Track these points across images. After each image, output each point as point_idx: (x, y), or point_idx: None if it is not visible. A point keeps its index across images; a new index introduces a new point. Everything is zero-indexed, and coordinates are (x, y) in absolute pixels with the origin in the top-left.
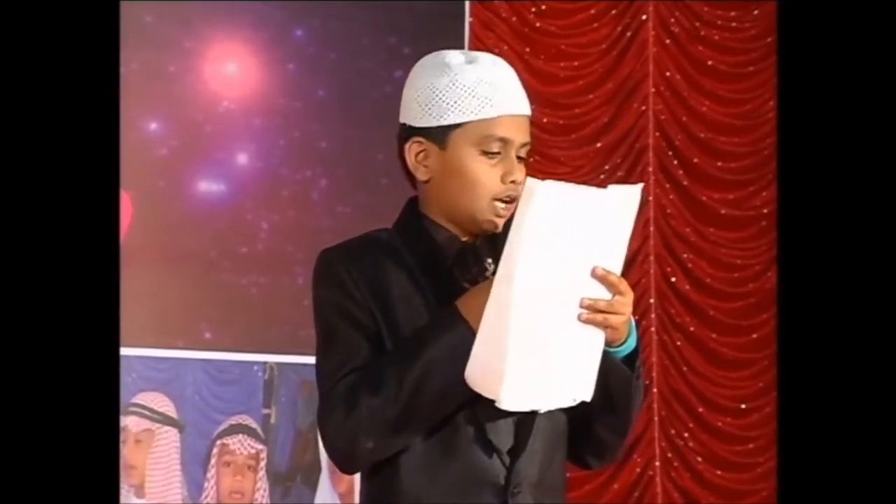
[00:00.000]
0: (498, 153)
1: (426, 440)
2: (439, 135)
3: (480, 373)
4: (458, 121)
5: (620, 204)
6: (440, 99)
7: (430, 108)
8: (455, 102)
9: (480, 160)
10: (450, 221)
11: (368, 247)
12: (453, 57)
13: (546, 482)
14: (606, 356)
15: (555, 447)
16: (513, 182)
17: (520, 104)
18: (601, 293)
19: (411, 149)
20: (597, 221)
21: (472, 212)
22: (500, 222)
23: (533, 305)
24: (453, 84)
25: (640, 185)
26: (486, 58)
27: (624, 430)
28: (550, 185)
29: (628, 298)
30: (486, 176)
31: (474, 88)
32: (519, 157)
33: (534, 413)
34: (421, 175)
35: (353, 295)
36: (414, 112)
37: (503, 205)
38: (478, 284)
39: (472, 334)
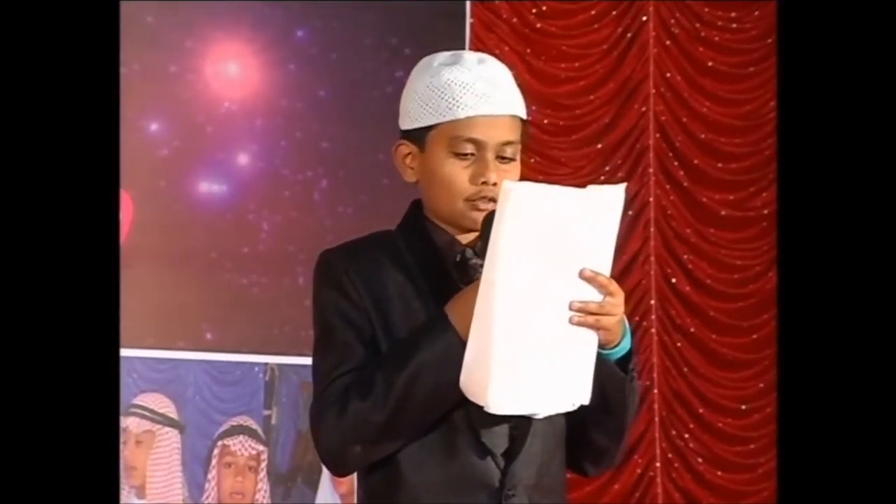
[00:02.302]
0: (471, 154)
1: (424, 440)
2: (418, 137)
3: (471, 380)
4: (430, 122)
5: (604, 204)
6: (417, 101)
7: (410, 111)
8: (427, 104)
9: (452, 162)
10: (444, 222)
11: (369, 248)
12: (437, 59)
13: (544, 484)
14: (600, 359)
15: (554, 450)
16: (484, 183)
17: (497, 104)
18: (592, 295)
19: (398, 151)
20: (580, 222)
21: (450, 212)
22: (481, 216)
23: (518, 309)
24: (428, 86)
25: (623, 185)
26: (470, 58)
27: (620, 434)
28: (525, 186)
29: (619, 299)
30: (457, 177)
31: (444, 90)
32: (503, 158)
33: (530, 416)
34: (408, 177)
35: (351, 296)
36: (401, 114)
37: (481, 204)
38: (465, 288)
39: (459, 339)
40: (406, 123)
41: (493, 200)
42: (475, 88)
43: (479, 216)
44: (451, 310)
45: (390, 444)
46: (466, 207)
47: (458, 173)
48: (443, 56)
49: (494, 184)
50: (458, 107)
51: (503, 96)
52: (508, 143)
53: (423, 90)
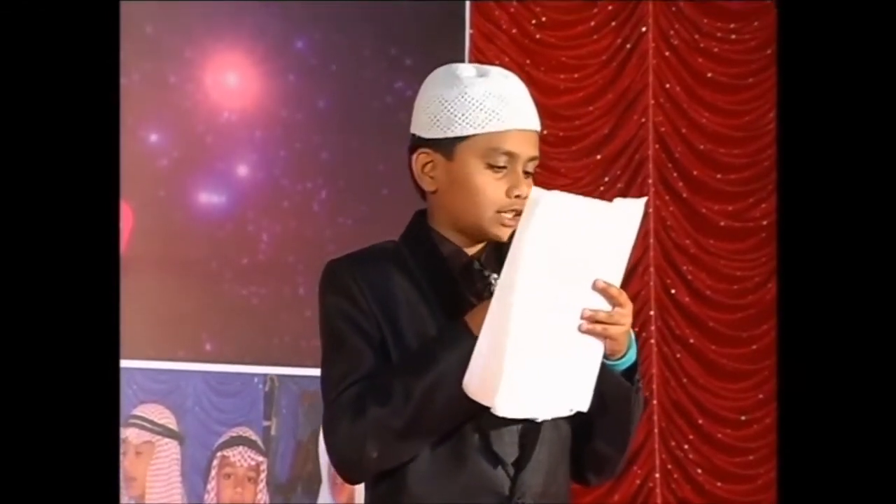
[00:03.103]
0: (504, 167)
1: (434, 448)
2: (446, 146)
3: (478, 380)
4: (465, 133)
5: (624, 217)
6: (448, 111)
7: (438, 120)
8: (463, 115)
9: (486, 173)
10: (456, 233)
11: (375, 257)
12: (465, 70)
13: (551, 492)
14: (606, 369)
15: (560, 458)
16: (518, 196)
17: (528, 119)
18: (602, 305)
19: (419, 159)
20: (599, 233)
21: (476, 223)
22: (507, 232)
23: (532, 314)
24: (462, 96)
25: (644, 199)
26: (497, 72)
27: (623, 444)
28: (555, 195)
29: (628, 310)
30: (490, 189)
31: (482, 101)
32: (526, 172)
33: (538, 424)
34: (427, 186)
35: (360, 304)
36: (423, 123)
37: (509, 216)
38: (484, 299)
39: None
40: (430, 132)
41: (520, 214)
42: (512, 102)
43: (504, 231)
44: (472, 320)
45: (407, 450)
46: (494, 219)
47: (491, 184)
48: (469, 68)
49: (525, 197)
50: (497, 119)
51: (532, 112)
52: (534, 158)
53: (456, 100)
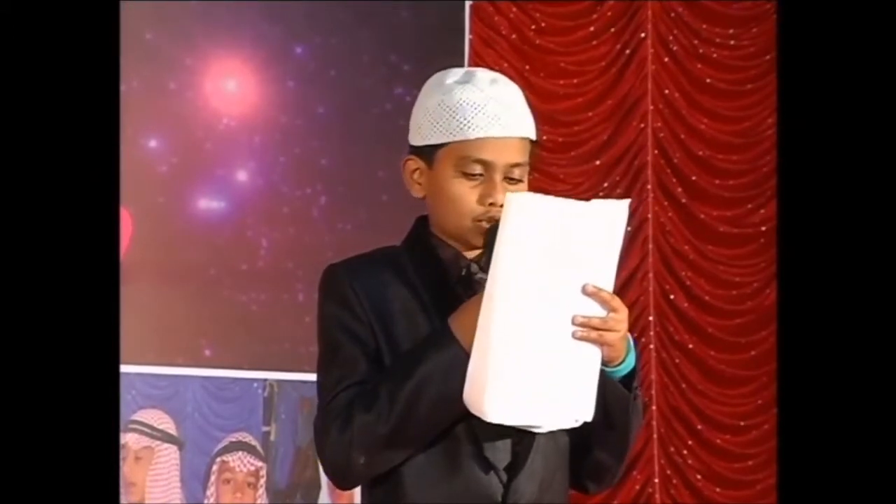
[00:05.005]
0: (479, 175)
1: (428, 454)
2: (428, 154)
3: (470, 391)
4: (440, 141)
5: (608, 219)
6: (428, 119)
7: (420, 127)
8: (438, 122)
9: (460, 181)
10: (450, 239)
11: (374, 263)
12: (450, 76)
13: (546, 501)
14: (603, 376)
15: (556, 467)
16: (492, 204)
17: (507, 126)
18: (595, 310)
19: (407, 165)
20: (583, 235)
21: (457, 231)
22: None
23: (519, 320)
24: (439, 104)
25: (627, 200)
26: (483, 77)
27: (622, 452)
28: (528, 197)
29: (622, 315)
30: (465, 197)
31: (456, 110)
32: (511, 179)
33: (532, 432)
34: (415, 192)
35: (356, 311)
36: (412, 130)
37: (487, 224)
38: (468, 300)
39: (463, 352)
40: (416, 139)
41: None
42: (487, 110)
43: None
44: (455, 322)
45: (394, 456)
46: (474, 227)
47: (466, 193)
48: (455, 73)
49: (501, 205)
50: (469, 127)
51: (514, 118)
52: (517, 164)
53: (434, 108)
